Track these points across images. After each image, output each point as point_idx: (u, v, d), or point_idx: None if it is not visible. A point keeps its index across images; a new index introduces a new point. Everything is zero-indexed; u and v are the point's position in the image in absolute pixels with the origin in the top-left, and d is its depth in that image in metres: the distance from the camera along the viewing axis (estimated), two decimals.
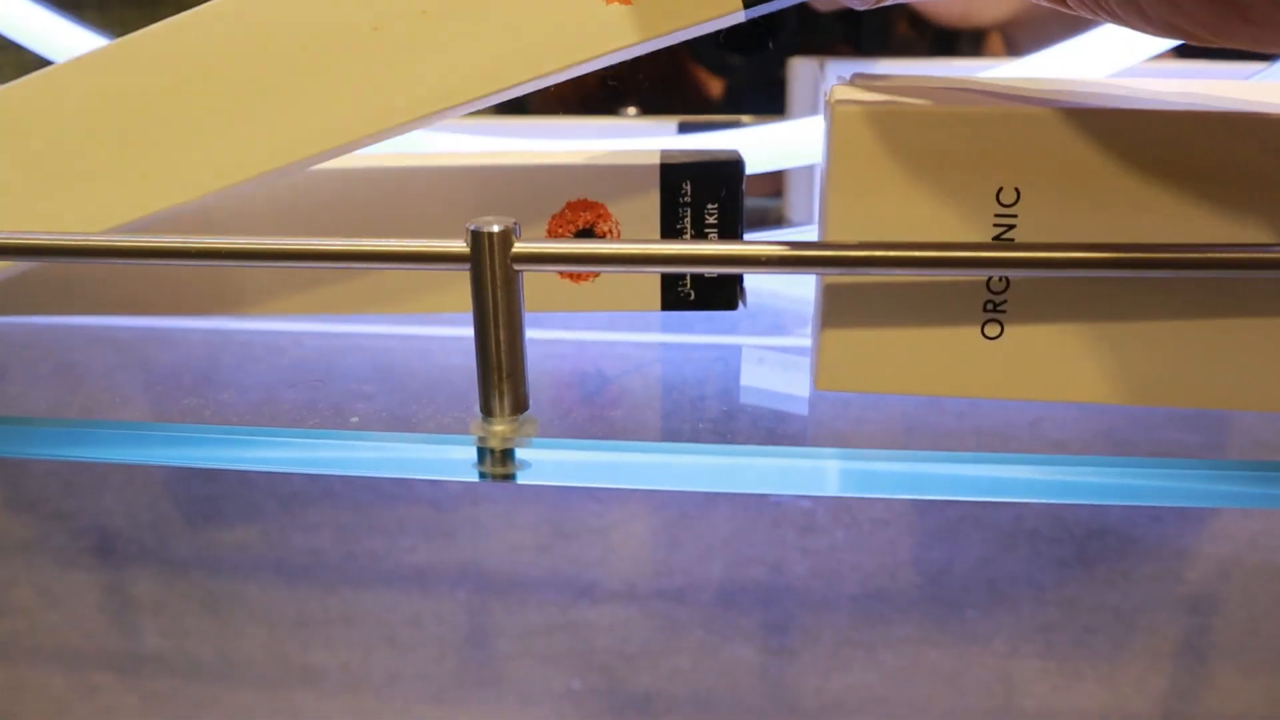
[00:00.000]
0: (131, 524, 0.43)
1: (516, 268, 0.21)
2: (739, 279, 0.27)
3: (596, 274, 0.25)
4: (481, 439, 0.22)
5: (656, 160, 0.25)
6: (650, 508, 0.40)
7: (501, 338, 0.21)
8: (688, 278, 0.26)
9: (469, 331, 0.22)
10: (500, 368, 0.21)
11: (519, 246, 0.21)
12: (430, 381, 0.38)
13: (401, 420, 0.26)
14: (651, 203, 0.25)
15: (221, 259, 0.21)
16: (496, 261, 0.21)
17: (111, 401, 0.41)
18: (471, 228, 0.21)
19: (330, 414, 0.40)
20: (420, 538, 0.41)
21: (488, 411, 0.22)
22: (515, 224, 0.21)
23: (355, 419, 0.25)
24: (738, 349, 0.31)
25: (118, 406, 0.41)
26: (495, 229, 0.21)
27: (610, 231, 0.25)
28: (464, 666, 0.43)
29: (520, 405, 0.22)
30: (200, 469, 0.42)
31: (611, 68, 0.22)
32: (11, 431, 0.26)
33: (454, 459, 0.22)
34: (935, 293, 0.22)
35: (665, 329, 0.31)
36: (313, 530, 0.42)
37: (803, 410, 0.26)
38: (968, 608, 0.41)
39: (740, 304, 0.27)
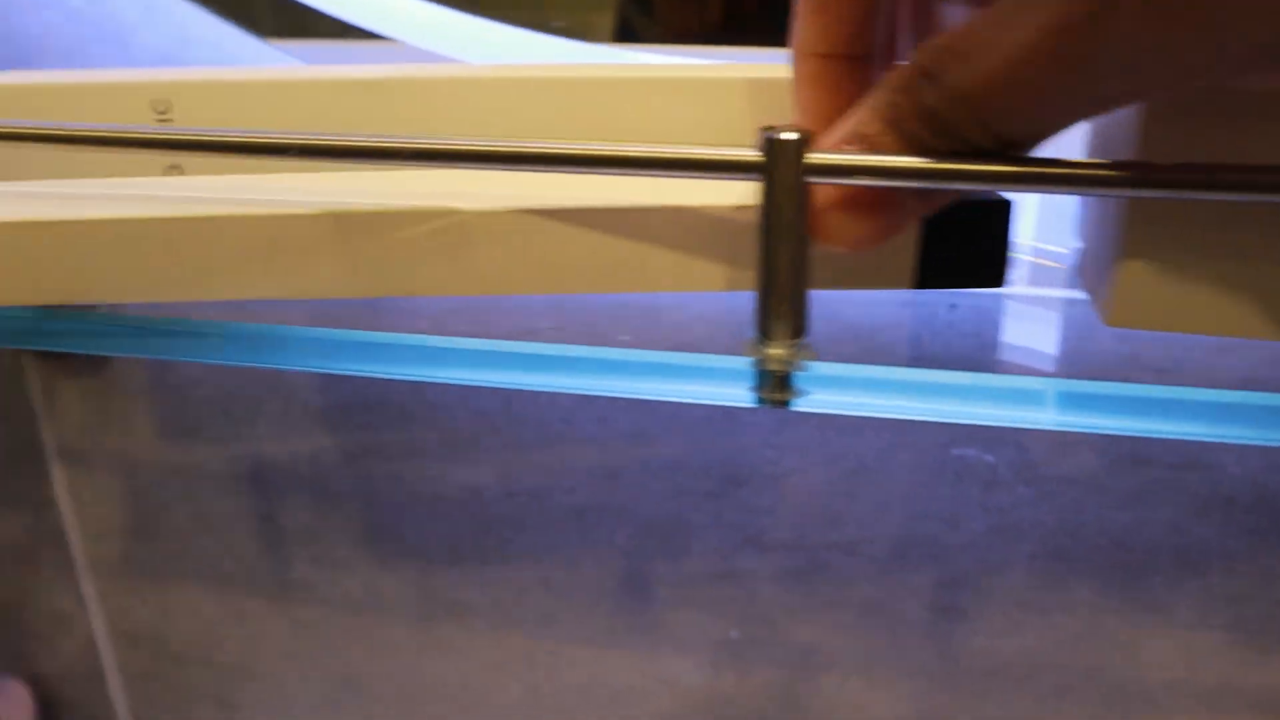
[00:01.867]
0: (288, 452, 0.43)
1: (809, 179, 0.19)
2: (1006, 253, 0.23)
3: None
4: (760, 362, 0.20)
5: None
6: (827, 456, 0.38)
7: (788, 255, 0.19)
8: (949, 250, 0.23)
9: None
10: (784, 287, 0.20)
11: (816, 156, 0.19)
12: (609, 316, 0.37)
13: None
14: None
15: (492, 161, 0.20)
16: (790, 170, 0.19)
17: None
18: (765, 135, 0.19)
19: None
20: (582, 478, 0.40)
21: (766, 334, 0.20)
22: (809, 133, 0.19)
23: (625, 336, 0.23)
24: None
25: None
26: (792, 136, 0.19)
27: None
28: (618, 611, 0.43)
29: (800, 329, 0.20)
30: (365, 403, 0.41)
31: None
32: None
33: (728, 381, 0.20)
34: (1253, 224, 0.20)
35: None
36: (473, 466, 0.41)
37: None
38: (1153, 574, 0.38)
39: (1003, 281, 0.23)
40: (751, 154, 0.19)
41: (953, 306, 0.35)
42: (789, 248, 0.20)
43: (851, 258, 0.22)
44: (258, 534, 0.45)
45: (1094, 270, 0.23)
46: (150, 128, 0.23)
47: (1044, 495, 0.38)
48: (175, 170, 0.25)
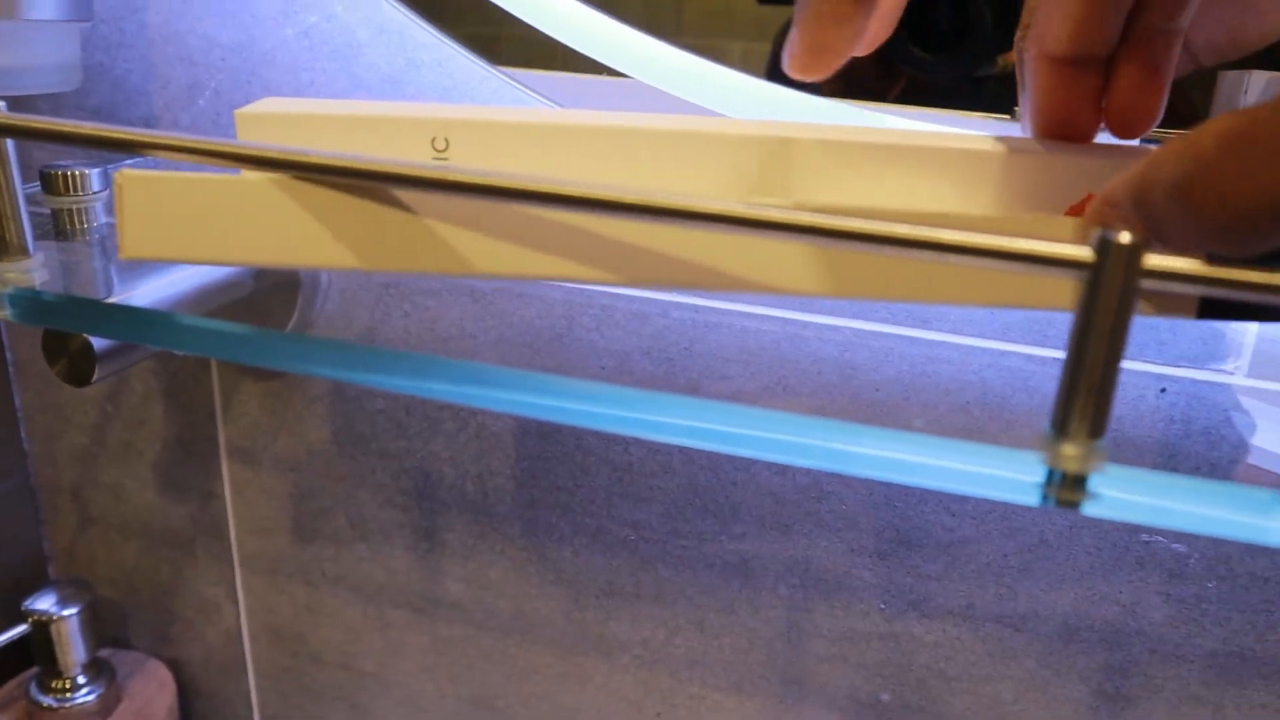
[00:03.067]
0: (456, 472, 0.44)
1: (1145, 284, 0.19)
2: None
3: None
4: (1053, 460, 0.20)
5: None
6: (1006, 529, 0.37)
7: (1102, 354, 0.19)
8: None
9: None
10: (1092, 387, 0.19)
11: (1155, 261, 0.18)
12: (799, 371, 0.37)
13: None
14: None
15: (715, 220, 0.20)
16: (1120, 273, 0.19)
17: (462, 349, 0.42)
18: (1100, 235, 0.19)
19: (686, 387, 0.39)
20: (753, 526, 0.40)
21: (1062, 430, 0.20)
22: (1144, 238, 0.19)
23: (919, 422, 0.23)
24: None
25: (468, 355, 0.41)
26: (1126, 239, 0.18)
27: None
28: (770, 661, 0.42)
29: (1099, 429, 0.20)
30: (540, 430, 0.42)
31: None
32: (358, 357, 0.26)
33: (1015, 477, 0.20)
34: None
35: None
36: (641, 503, 0.41)
37: None
38: None
39: None
40: (1082, 252, 0.19)
41: (1162, 391, 0.34)
42: (1107, 349, 0.19)
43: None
44: (413, 548, 0.46)
45: None
46: (431, 164, 0.23)
47: (1233, 592, 0.37)
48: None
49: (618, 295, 0.39)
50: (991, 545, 0.38)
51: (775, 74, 0.39)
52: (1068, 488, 0.20)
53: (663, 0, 0.39)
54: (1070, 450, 0.20)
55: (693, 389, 0.38)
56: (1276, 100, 0.17)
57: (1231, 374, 0.34)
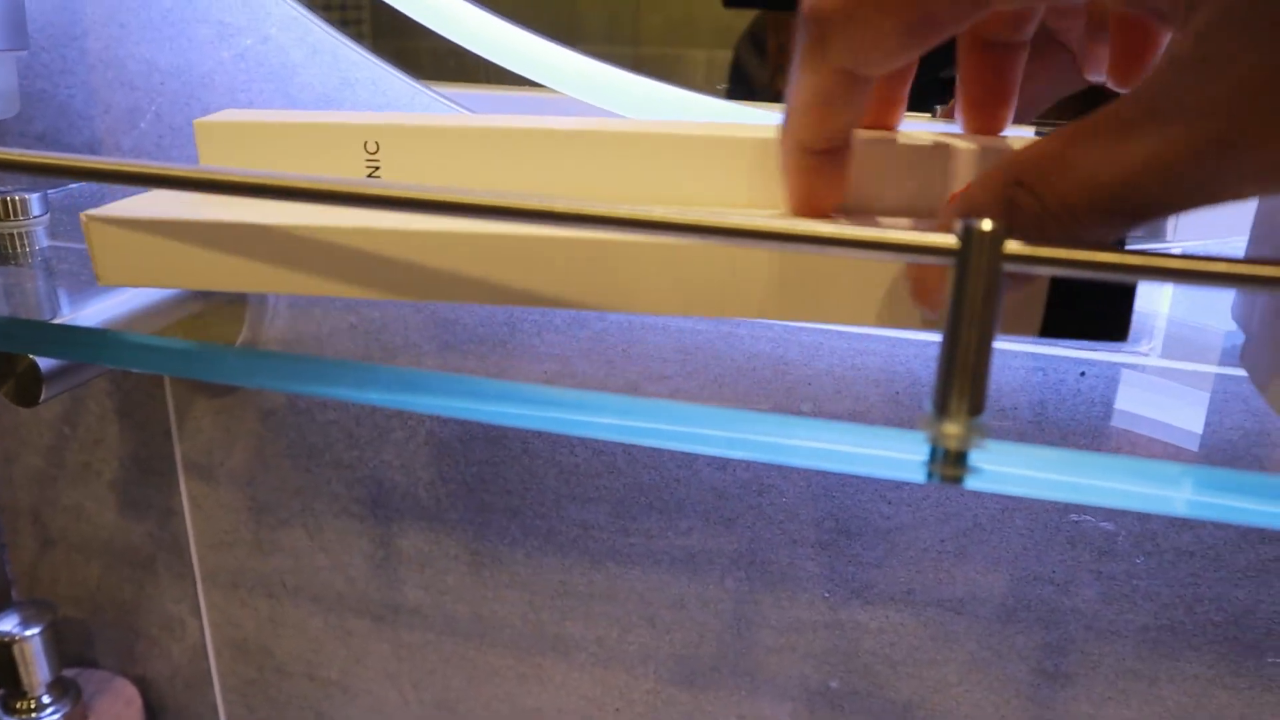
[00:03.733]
0: (408, 479, 0.45)
1: (1008, 268, 0.20)
2: (1130, 309, 0.25)
3: None
4: (935, 438, 0.21)
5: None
6: (942, 515, 0.39)
7: (974, 336, 0.20)
8: (1075, 302, 0.24)
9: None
10: (967, 367, 0.20)
11: (1015, 246, 0.20)
12: (734, 369, 0.38)
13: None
14: None
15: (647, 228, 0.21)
16: (986, 260, 0.20)
17: (409, 359, 0.42)
18: (963, 223, 0.20)
19: (625, 388, 0.40)
20: (698, 521, 0.41)
21: (942, 410, 0.21)
22: (1005, 224, 0.20)
23: (806, 407, 0.24)
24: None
25: (415, 364, 0.42)
26: (988, 225, 0.20)
27: None
28: (721, 654, 0.43)
29: (978, 408, 0.21)
30: (487, 435, 0.43)
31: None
32: (304, 369, 0.27)
33: (899, 457, 0.21)
34: None
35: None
36: (589, 503, 0.42)
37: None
38: (1269, 653, 0.38)
39: (1125, 336, 0.25)
40: (948, 240, 0.20)
41: (1082, 374, 0.35)
42: (977, 331, 0.20)
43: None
44: (371, 556, 0.47)
45: (1265, 361, 0.23)
46: (359, 181, 0.24)
47: (1161, 566, 0.38)
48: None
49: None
50: (928, 531, 0.39)
51: (736, 81, 0.40)
52: (950, 464, 0.21)
53: (622, 9, 0.40)
54: (951, 428, 0.21)
55: (632, 389, 0.39)
56: (1116, 103, 0.19)
57: (1146, 355, 0.35)
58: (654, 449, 0.40)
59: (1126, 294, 0.24)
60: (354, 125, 0.26)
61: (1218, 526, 0.37)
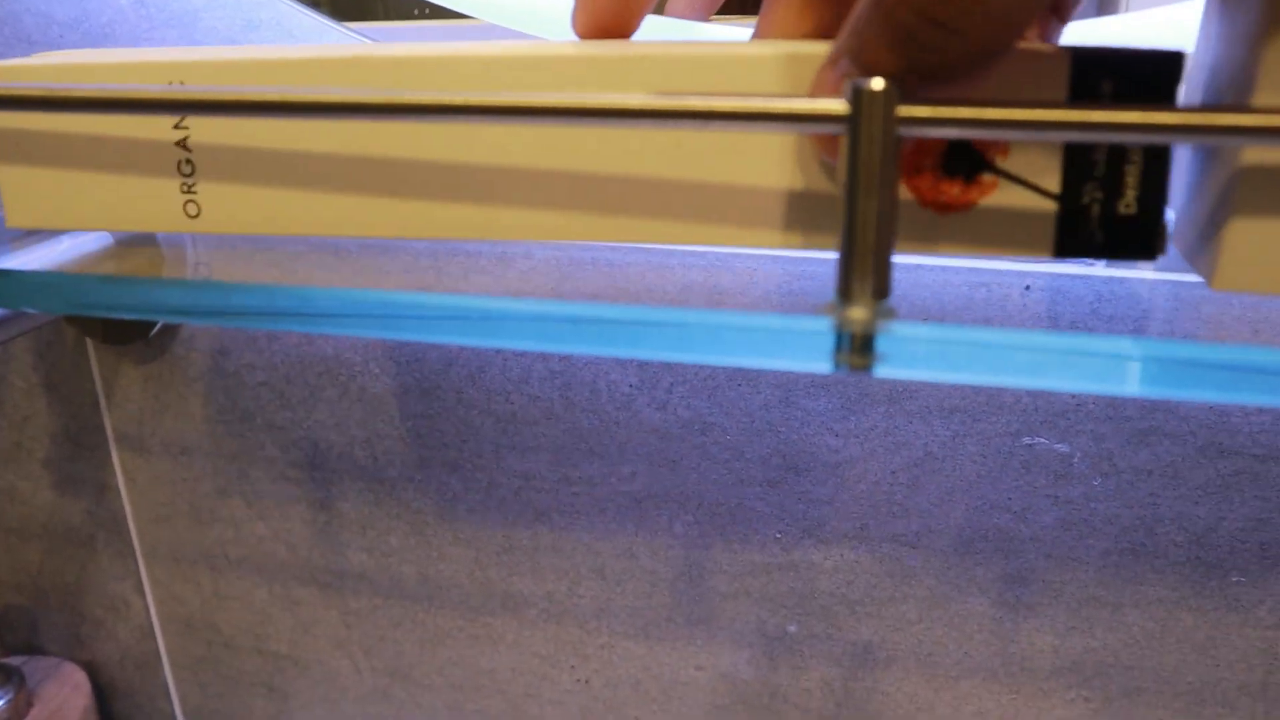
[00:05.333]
0: (343, 439, 0.43)
1: (902, 131, 0.18)
2: (1163, 218, 0.21)
3: (970, 202, 0.22)
4: (840, 323, 0.19)
5: (1063, 51, 0.20)
6: (891, 445, 0.37)
7: (873, 210, 0.19)
8: (1094, 213, 0.22)
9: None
10: (867, 245, 0.19)
11: (907, 108, 0.18)
12: (669, 301, 0.36)
13: None
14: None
15: (550, 116, 0.19)
16: (877, 123, 0.18)
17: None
18: (852, 84, 0.18)
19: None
20: (642, 465, 0.40)
21: (846, 295, 0.19)
22: (899, 83, 0.18)
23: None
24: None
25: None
26: (878, 85, 0.18)
27: (996, 147, 0.21)
28: (675, 603, 0.42)
29: (883, 289, 0.19)
30: (421, 388, 0.41)
31: None
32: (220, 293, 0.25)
33: (804, 345, 0.20)
34: None
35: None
36: (528, 453, 0.41)
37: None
38: (1232, 572, 0.37)
39: (1161, 251, 0.21)
40: (836, 104, 0.18)
41: (1027, 288, 0.34)
42: (875, 203, 0.19)
43: (989, 220, 0.21)
44: (311, 521, 0.45)
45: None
46: (159, 87, 0.22)
47: (1119, 488, 0.36)
48: (185, 161, 0.24)
49: (480, 242, 0.38)
50: (878, 462, 0.38)
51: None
52: (857, 351, 0.20)
53: None
54: (855, 313, 0.20)
55: None
56: None
57: (1091, 265, 0.33)
58: (590, 392, 0.39)
59: (1157, 197, 0.20)
60: (159, 63, 0.24)
61: (1175, 442, 0.35)
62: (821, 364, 0.20)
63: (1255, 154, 0.18)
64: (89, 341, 0.45)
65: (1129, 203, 0.21)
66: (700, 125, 0.19)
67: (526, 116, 0.19)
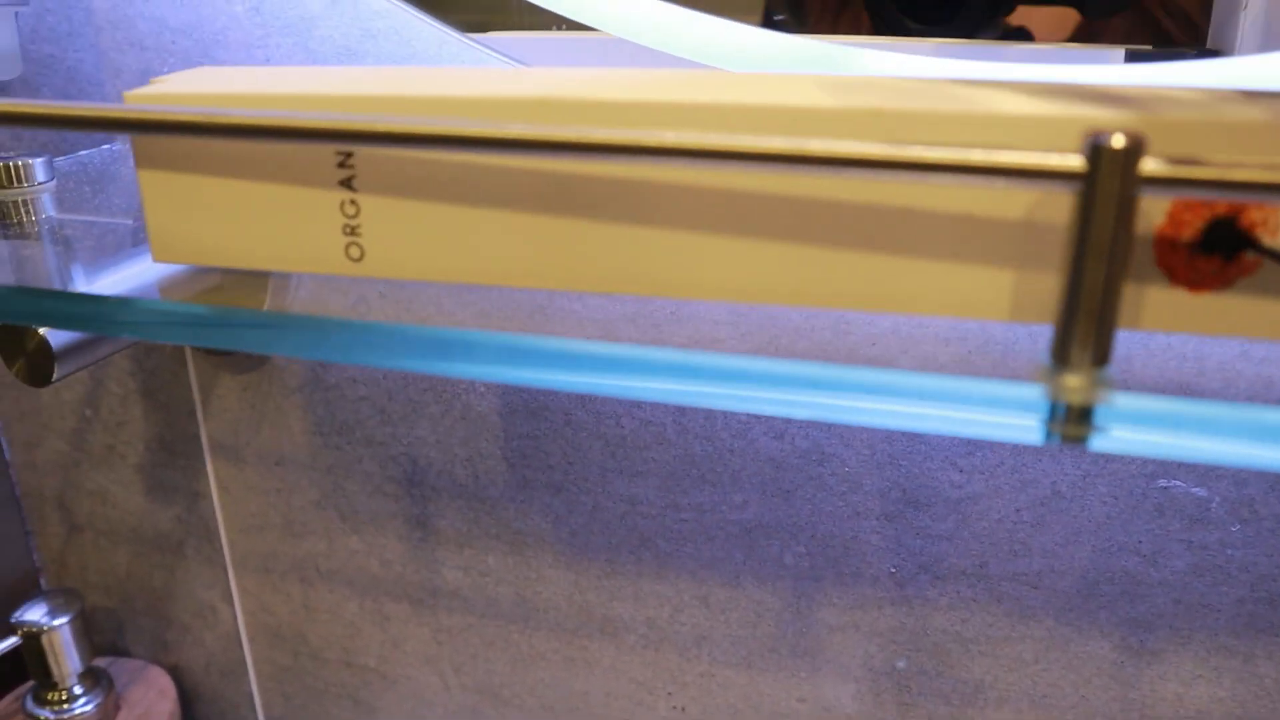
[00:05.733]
0: (444, 456, 0.42)
1: (1147, 191, 0.17)
2: None
3: (1228, 280, 0.20)
4: (1055, 392, 0.18)
5: None
6: (1017, 483, 0.36)
7: (1102, 274, 0.17)
8: None
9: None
10: (1092, 311, 0.18)
11: (1153, 164, 0.17)
12: (791, 329, 0.35)
13: None
14: None
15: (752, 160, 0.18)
16: (1119, 179, 0.17)
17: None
18: (1091, 140, 0.17)
19: None
20: (754, 493, 0.39)
21: (1062, 360, 0.18)
22: (1142, 138, 0.17)
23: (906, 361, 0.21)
24: None
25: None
26: (1121, 142, 0.17)
27: (1264, 224, 0.19)
28: (780, 634, 0.41)
29: (1104, 357, 0.18)
30: (528, 408, 0.40)
31: None
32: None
33: (1015, 416, 0.18)
34: None
35: None
36: (637, 477, 0.40)
37: None
38: None
39: None
40: (1073, 160, 0.17)
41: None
42: (1105, 266, 0.18)
43: (1247, 301, 0.19)
44: (407, 538, 0.44)
45: None
46: (319, 114, 0.21)
47: (1259, 535, 0.35)
48: (351, 229, 0.23)
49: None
50: (1002, 500, 0.36)
51: (770, 17, 0.37)
52: (1073, 422, 0.18)
53: None
54: (1073, 381, 0.18)
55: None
56: None
57: None
58: (705, 418, 0.38)
59: None
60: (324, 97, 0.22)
61: None
62: (1033, 436, 0.19)
63: None
64: (188, 350, 0.45)
65: None
66: (921, 177, 0.18)
67: (734, 160, 0.18)
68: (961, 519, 0.37)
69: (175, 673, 0.52)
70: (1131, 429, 0.18)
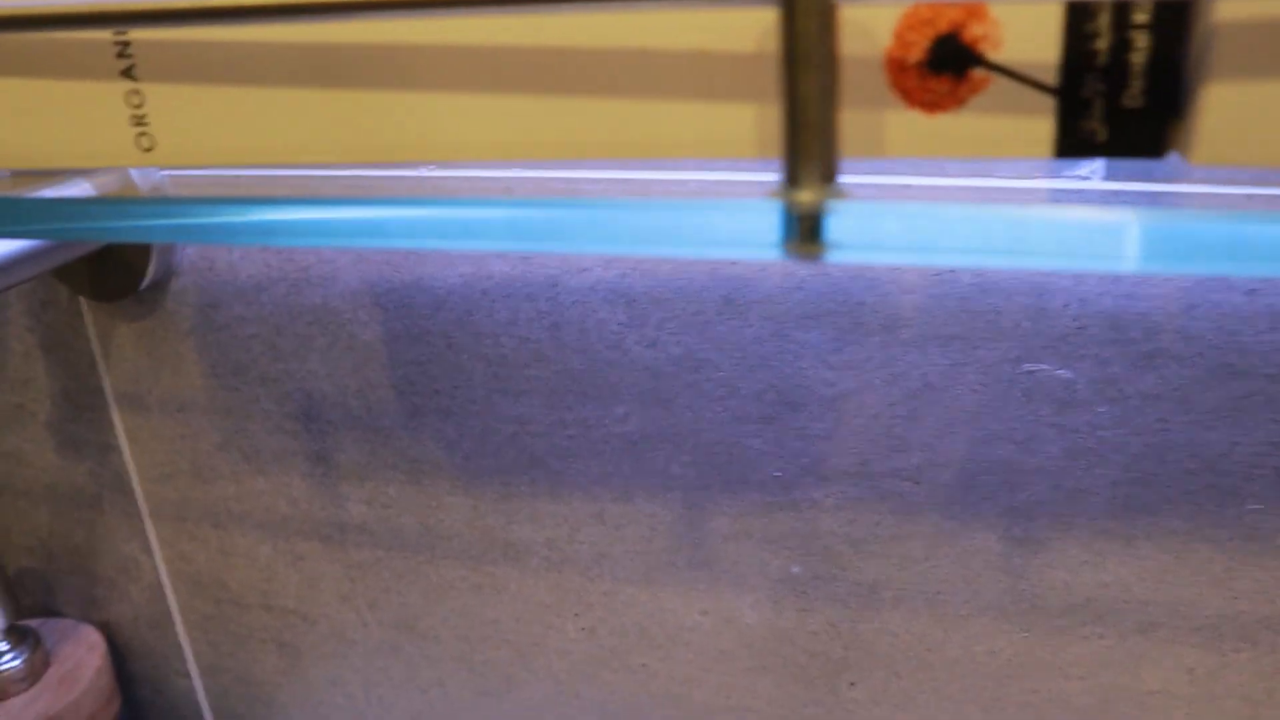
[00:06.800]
0: (336, 389, 0.43)
1: (993, 123, 0.17)
2: (1175, 109, 0.19)
3: (960, 100, 0.20)
4: (788, 208, 0.18)
5: None
6: (888, 376, 0.36)
7: (814, 84, 0.18)
8: (1096, 108, 0.20)
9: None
10: (811, 122, 0.18)
11: None
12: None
13: None
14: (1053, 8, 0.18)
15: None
16: None
17: (322, 275, 0.40)
18: None
19: (545, 283, 0.37)
20: (635, 405, 0.39)
21: (792, 179, 0.18)
22: None
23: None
24: None
25: (329, 279, 0.40)
26: None
27: (986, 39, 0.19)
28: (676, 546, 0.41)
29: (831, 171, 0.18)
30: (410, 334, 0.40)
31: None
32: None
33: (749, 233, 0.19)
34: None
35: None
36: (521, 396, 0.40)
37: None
38: (1249, 499, 0.36)
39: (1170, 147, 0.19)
40: None
41: None
42: (815, 76, 0.18)
43: (982, 120, 0.19)
44: (310, 474, 0.45)
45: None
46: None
47: (1126, 415, 0.35)
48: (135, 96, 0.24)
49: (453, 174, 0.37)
50: (875, 395, 0.37)
51: None
52: (805, 237, 0.19)
53: None
54: (804, 196, 0.18)
55: (552, 283, 0.37)
56: None
57: (1088, 178, 0.32)
58: (579, 332, 0.38)
59: (1168, 87, 0.19)
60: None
61: (1182, 365, 0.34)
62: (769, 252, 0.19)
63: (1230, 8, 0.17)
64: (83, 301, 0.45)
65: (1134, 95, 0.19)
66: (616, 5, 0.18)
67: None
68: (838, 417, 0.37)
69: (107, 629, 0.53)
70: (866, 238, 0.18)
